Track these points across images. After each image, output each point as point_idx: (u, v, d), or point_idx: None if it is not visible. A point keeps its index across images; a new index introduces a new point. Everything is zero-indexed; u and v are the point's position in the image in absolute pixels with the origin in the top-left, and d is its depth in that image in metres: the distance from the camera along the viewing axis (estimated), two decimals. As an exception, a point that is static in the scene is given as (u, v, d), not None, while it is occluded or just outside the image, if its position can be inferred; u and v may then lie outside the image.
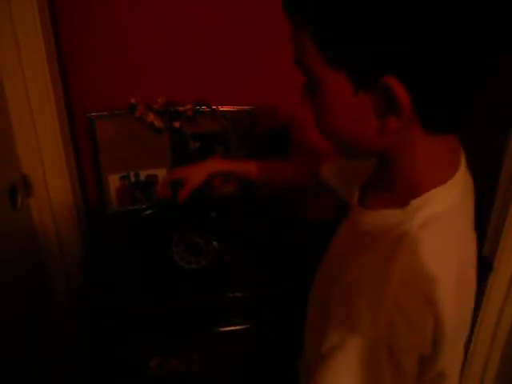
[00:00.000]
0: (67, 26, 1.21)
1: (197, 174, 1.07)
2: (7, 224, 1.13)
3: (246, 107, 1.36)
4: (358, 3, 0.41)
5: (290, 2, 0.47)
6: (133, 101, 1.28)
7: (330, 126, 0.54)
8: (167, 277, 1.09)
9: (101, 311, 1.05)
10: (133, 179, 1.38)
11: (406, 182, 0.54)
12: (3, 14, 1.05)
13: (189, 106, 1.31)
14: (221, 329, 1.08)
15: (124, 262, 1.18)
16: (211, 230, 1.19)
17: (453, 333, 0.51)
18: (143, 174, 1.38)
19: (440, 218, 0.52)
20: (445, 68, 0.44)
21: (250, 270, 1.14)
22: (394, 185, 0.56)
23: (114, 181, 1.36)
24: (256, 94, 1.38)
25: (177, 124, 1.32)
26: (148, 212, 1.14)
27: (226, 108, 1.34)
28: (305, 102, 0.56)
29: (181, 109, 1.31)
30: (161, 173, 1.39)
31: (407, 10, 0.40)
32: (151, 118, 1.29)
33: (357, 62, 0.45)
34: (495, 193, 1.24)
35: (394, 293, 0.47)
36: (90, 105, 1.30)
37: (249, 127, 1.38)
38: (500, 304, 1.37)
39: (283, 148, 1.44)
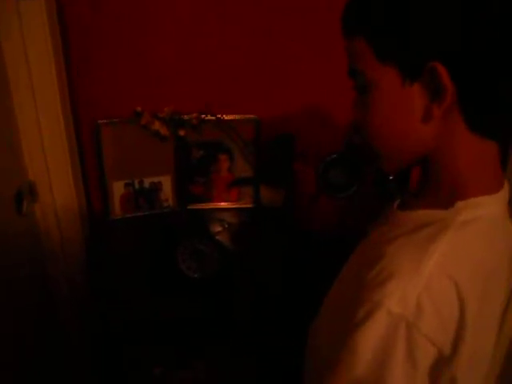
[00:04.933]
0: (76, 32, 1.22)
1: None
2: (12, 229, 1.14)
3: (251, 116, 1.37)
4: (403, 5, 0.49)
5: (349, 16, 0.56)
6: (138, 109, 1.29)
7: (378, 123, 0.57)
8: (172, 285, 1.10)
9: (104, 319, 1.06)
10: (137, 186, 1.38)
11: (449, 184, 0.56)
12: (12, 20, 1.06)
13: (194, 115, 1.32)
14: (226, 338, 1.09)
15: (128, 268, 1.19)
16: (217, 239, 1.20)
17: (473, 341, 0.51)
18: (147, 182, 1.39)
19: (482, 223, 0.54)
20: (489, 60, 0.48)
21: (255, 280, 1.15)
22: (437, 187, 0.57)
23: (118, 187, 1.36)
24: (261, 103, 1.39)
25: (182, 132, 1.33)
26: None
27: (230, 117, 1.35)
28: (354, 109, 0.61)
29: (186, 117, 1.33)
30: (164, 180, 1.40)
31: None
32: (157, 126, 1.30)
33: (406, 50, 0.50)
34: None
35: (429, 274, 0.49)
36: (96, 112, 1.30)
37: (253, 136, 1.40)
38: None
39: (287, 157, 1.45)
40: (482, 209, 0.54)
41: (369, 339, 0.50)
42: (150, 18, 1.25)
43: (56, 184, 1.25)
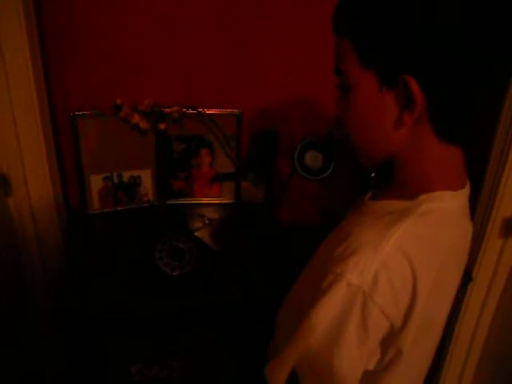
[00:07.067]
0: (52, 23, 1.18)
1: None
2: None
3: (234, 110, 1.35)
4: (388, 19, 0.53)
5: (339, 20, 0.60)
6: (118, 101, 1.25)
7: (355, 121, 0.63)
8: (150, 282, 1.08)
9: (81, 314, 1.04)
10: (116, 180, 1.35)
11: (416, 181, 0.62)
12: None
13: (175, 108, 1.29)
14: (203, 335, 1.07)
15: (106, 264, 1.16)
16: (197, 236, 1.18)
17: (421, 319, 0.57)
18: (126, 175, 1.36)
19: (441, 214, 0.60)
20: (455, 78, 0.54)
21: (233, 276, 1.14)
22: (404, 182, 0.63)
23: (96, 181, 1.33)
24: (244, 97, 1.36)
25: (162, 126, 1.30)
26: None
27: (213, 111, 1.33)
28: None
29: (167, 110, 1.30)
30: (144, 174, 1.37)
31: (424, 24, 0.52)
32: (136, 119, 1.27)
33: (384, 61, 0.56)
34: (475, 206, 1.26)
35: (387, 252, 0.54)
36: (73, 104, 1.26)
37: (235, 130, 1.37)
38: (478, 311, 1.41)
39: (271, 151, 1.43)
40: (442, 202, 0.60)
41: (329, 306, 0.56)
42: (129, 9, 1.21)
43: (31, 177, 1.21)
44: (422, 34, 0.52)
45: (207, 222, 1.35)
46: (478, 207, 1.26)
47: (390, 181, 0.67)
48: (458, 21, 0.51)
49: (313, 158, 1.13)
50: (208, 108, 1.32)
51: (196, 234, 1.27)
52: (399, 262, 0.55)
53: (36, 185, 1.23)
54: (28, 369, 1.34)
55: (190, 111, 1.31)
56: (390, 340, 0.57)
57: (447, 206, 0.61)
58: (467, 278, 1.32)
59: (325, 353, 0.57)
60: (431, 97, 0.54)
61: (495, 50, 0.53)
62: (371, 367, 0.60)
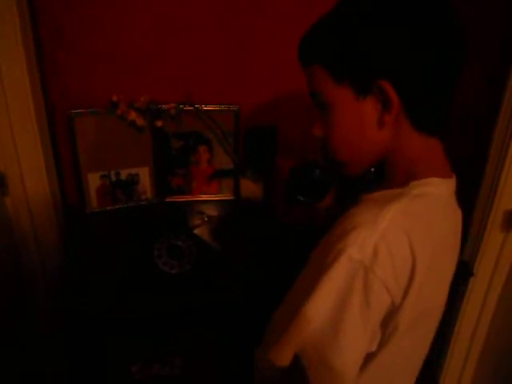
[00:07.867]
0: (48, 20, 1.16)
1: None
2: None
3: (232, 106, 1.34)
4: (356, 37, 0.60)
5: (307, 48, 0.68)
6: (114, 98, 1.24)
7: (340, 135, 0.67)
8: (149, 281, 1.07)
9: (81, 314, 1.03)
10: (113, 178, 1.34)
11: (405, 171, 0.66)
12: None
13: (172, 105, 1.28)
14: (203, 333, 1.07)
15: (104, 263, 1.15)
16: (196, 234, 1.17)
17: (418, 297, 0.59)
18: (124, 173, 1.35)
19: (432, 198, 0.64)
20: (422, 78, 0.61)
21: (233, 275, 1.13)
22: (395, 175, 0.67)
23: (94, 180, 1.32)
24: (242, 93, 1.35)
25: (159, 123, 1.29)
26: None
27: (210, 107, 1.32)
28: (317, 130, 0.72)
29: (163, 107, 1.28)
30: (142, 172, 1.36)
31: (391, 37, 0.59)
32: (133, 116, 1.26)
33: (358, 73, 0.62)
34: (476, 200, 1.25)
35: (385, 226, 0.57)
36: (69, 101, 1.25)
37: (234, 127, 1.36)
38: (479, 306, 1.40)
39: (269, 148, 1.42)
40: (432, 186, 0.64)
41: (332, 282, 0.58)
42: (128, 8, 1.20)
43: (28, 176, 1.20)
44: (392, 43, 0.59)
45: (206, 219, 1.34)
46: (479, 200, 1.25)
47: (380, 178, 0.70)
48: (408, 29, 0.59)
49: (308, 185, 1.14)
50: (205, 104, 1.31)
51: (195, 231, 1.26)
52: (397, 235, 0.58)
53: (33, 184, 1.22)
54: (28, 369, 1.34)
55: (188, 107, 1.30)
56: (390, 319, 0.60)
57: (437, 191, 0.64)
58: (468, 272, 1.32)
59: (329, 330, 0.58)
60: (404, 95, 0.60)
61: (447, 49, 0.61)
62: (374, 348, 0.63)
